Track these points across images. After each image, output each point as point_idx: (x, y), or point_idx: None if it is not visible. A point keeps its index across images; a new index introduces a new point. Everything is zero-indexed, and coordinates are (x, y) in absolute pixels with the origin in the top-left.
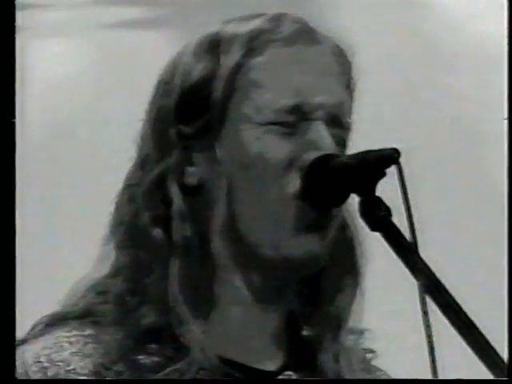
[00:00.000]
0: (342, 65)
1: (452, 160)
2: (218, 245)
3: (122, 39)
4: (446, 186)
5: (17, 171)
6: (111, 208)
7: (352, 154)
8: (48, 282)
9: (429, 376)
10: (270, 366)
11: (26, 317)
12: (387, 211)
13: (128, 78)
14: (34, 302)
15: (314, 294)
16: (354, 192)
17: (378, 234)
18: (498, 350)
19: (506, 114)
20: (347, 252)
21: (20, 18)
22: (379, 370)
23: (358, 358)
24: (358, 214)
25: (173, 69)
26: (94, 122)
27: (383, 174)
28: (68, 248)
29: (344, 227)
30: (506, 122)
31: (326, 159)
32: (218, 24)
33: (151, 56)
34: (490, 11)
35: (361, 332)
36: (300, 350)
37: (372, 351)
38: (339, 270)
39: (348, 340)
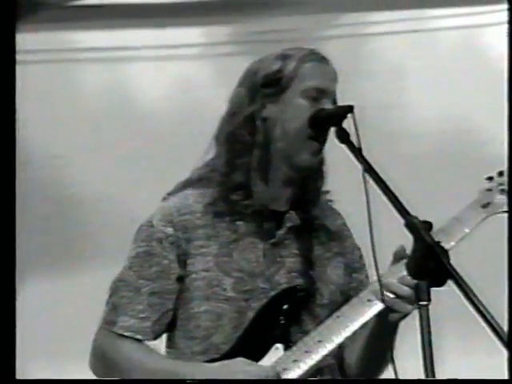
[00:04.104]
0: (335, 75)
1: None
2: (272, 147)
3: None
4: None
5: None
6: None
7: (333, 107)
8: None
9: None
10: (283, 209)
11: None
12: (347, 134)
13: None
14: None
15: (305, 184)
16: (333, 125)
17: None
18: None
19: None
20: (321, 166)
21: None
22: (334, 209)
23: (325, 201)
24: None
25: (258, 65)
26: None
27: (346, 117)
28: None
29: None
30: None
31: (322, 110)
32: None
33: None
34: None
35: (327, 191)
36: (299, 201)
37: (327, 191)
38: (317, 173)
39: (322, 198)
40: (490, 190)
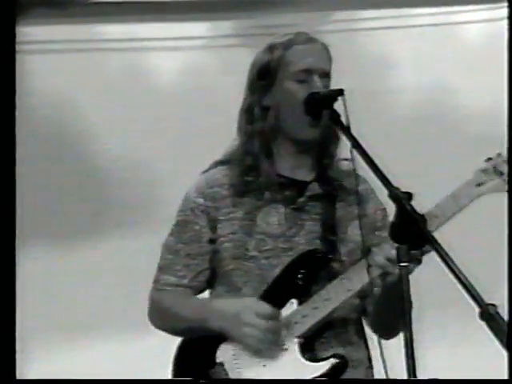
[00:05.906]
0: (323, 52)
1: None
2: (276, 130)
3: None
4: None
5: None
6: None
7: (327, 90)
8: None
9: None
10: (307, 178)
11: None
12: (338, 115)
13: None
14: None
15: (322, 150)
16: (327, 108)
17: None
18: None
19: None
20: (330, 134)
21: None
22: (358, 175)
23: (341, 164)
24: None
25: (254, 58)
26: None
27: (337, 99)
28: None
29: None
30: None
31: (315, 93)
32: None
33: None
34: None
35: (345, 159)
36: (322, 174)
37: (347, 159)
38: (326, 142)
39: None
40: (485, 170)
